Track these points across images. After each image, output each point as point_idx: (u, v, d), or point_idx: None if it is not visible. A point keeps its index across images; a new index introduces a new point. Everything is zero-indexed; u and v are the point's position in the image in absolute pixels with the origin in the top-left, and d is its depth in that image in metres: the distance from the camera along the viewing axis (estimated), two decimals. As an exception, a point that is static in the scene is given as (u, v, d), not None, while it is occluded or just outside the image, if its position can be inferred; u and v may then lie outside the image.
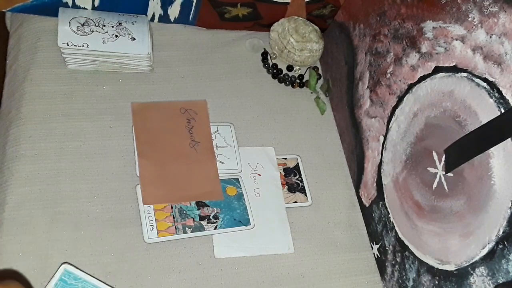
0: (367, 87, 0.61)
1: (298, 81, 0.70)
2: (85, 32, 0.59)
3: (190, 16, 0.69)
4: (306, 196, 0.62)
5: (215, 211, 0.57)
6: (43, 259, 0.50)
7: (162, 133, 0.59)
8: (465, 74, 0.46)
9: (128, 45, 0.61)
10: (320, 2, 0.70)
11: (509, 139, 0.41)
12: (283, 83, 0.70)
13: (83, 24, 0.60)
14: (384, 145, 0.58)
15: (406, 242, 0.54)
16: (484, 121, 0.44)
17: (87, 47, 0.59)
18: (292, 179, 0.63)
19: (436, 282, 0.49)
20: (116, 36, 0.61)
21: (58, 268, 0.48)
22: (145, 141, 0.58)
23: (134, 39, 0.61)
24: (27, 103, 0.57)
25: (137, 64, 0.62)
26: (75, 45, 0.58)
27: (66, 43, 0.58)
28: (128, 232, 0.54)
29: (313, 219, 0.61)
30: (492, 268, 0.43)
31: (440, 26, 0.49)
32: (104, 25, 0.61)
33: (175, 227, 0.54)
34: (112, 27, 0.61)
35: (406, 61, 0.54)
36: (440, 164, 0.49)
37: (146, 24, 0.63)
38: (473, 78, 0.45)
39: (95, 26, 0.61)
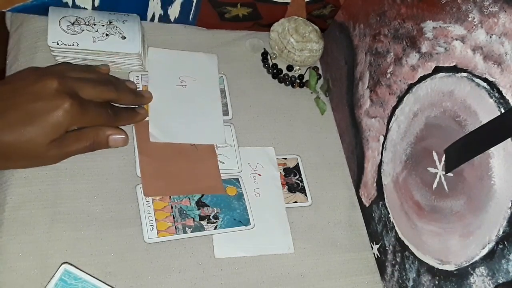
0: (367, 87, 0.61)
1: (298, 81, 0.70)
2: (75, 31, 0.59)
3: (190, 16, 0.69)
4: (306, 196, 0.63)
5: (215, 211, 0.57)
6: (43, 259, 0.50)
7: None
8: (465, 74, 0.46)
9: (119, 44, 0.60)
10: (320, 2, 0.70)
11: (509, 139, 0.41)
12: (283, 83, 0.70)
13: (73, 23, 0.60)
14: (384, 145, 0.58)
15: (406, 242, 0.54)
16: (484, 121, 0.44)
17: (77, 46, 0.59)
18: (292, 179, 0.63)
19: (436, 282, 0.50)
20: (107, 35, 0.60)
21: (58, 268, 0.48)
22: (146, 139, 0.58)
23: (125, 37, 0.61)
24: (27, 103, 0.57)
25: (127, 63, 0.62)
26: (65, 44, 0.58)
27: (56, 42, 0.58)
28: (128, 232, 0.54)
29: (313, 219, 0.61)
30: (492, 268, 0.43)
31: (440, 26, 0.49)
32: (95, 24, 0.61)
33: (175, 227, 0.55)
34: (103, 26, 0.61)
35: (406, 61, 0.54)
36: (440, 164, 0.49)
37: (137, 23, 0.63)
38: (473, 78, 0.45)
39: (85, 25, 0.60)
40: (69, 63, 0.58)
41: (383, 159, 0.59)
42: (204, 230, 0.55)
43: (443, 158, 0.49)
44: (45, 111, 0.48)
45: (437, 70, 0.50)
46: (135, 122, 0.58)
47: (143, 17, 0.67)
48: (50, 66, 0.56)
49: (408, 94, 0.54)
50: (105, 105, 0.55)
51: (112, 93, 0.55)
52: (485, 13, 0.44)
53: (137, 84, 0.61)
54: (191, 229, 0.55)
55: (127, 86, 0.59)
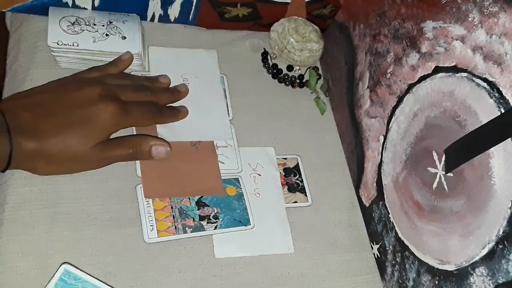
0: (367, 87, 0.62)
1: (298, 81, 0.70)
2: (75, 31, 0.59)
3: (190, 16, 0.69)
4: (306, 196, 0.63)
5: (215, 211, 0.57)
6: (43, 259, 0.50)
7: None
8: (465, 74, 0.46)
9: (119, 44, 0.60)
10: (320, 2, 0.70)
11: (509, 139, 0.41)
12: (283, 83, 0.70)
13: (73, 23, 0.60)
14: (384, 145, 0.58)
15: (406, 242, 0.54)
16: (484, 121, 0.44)
17: (77, 46, 0.59)
18: (292, 179, 0.63)
19: (436, 282, 0.50)
20: (107, 35, 0.60)
21: (58, 268, 0.48)
22: None
23: (125, 38, 0.61)
24: (27, 103, 0.57)
25: None
26: (65, 44, 0.58)
27: (56, 42, 0.58)
28: (128, 232, 0.54)
29: (313, 219, 0.61)
30: (492, 268, 0.43)
31: (440, 26, 0.49)
32: (95, 24, 0.61)
33: (175, 227, 0.55)
34: (103, 26, 0.61)
35: (406, 61, 0.54)
36: (440, 164, 0.49)
37: (137, 23, 0.63)
38: (473, 78, 0.45)
39: (86, 25, 0.60)
40: (98, 67, 0.58)
41: (383, 159, 0.59)
42: (204, 230, 0.55)
43: (443, 158, 0.49)
44: (91, 114, 0.50)
45: (437, 70, 0.50)
46: (178, 119, 0.60)
47: (143, 17, 0.67)
48: (84, 74, 0.57)
49: (408, 94, 0.54)
50: (148, 103, 0.56)
51: (148, 97, 0.57)
52: (485, 13, 0.44)
53: None
54: (191, 229, 0.55)
55: (162, 87, 0.61)
